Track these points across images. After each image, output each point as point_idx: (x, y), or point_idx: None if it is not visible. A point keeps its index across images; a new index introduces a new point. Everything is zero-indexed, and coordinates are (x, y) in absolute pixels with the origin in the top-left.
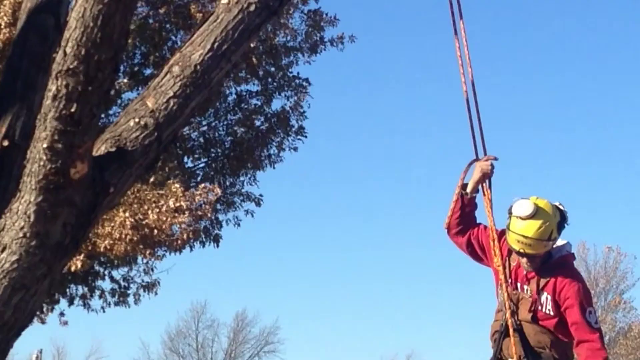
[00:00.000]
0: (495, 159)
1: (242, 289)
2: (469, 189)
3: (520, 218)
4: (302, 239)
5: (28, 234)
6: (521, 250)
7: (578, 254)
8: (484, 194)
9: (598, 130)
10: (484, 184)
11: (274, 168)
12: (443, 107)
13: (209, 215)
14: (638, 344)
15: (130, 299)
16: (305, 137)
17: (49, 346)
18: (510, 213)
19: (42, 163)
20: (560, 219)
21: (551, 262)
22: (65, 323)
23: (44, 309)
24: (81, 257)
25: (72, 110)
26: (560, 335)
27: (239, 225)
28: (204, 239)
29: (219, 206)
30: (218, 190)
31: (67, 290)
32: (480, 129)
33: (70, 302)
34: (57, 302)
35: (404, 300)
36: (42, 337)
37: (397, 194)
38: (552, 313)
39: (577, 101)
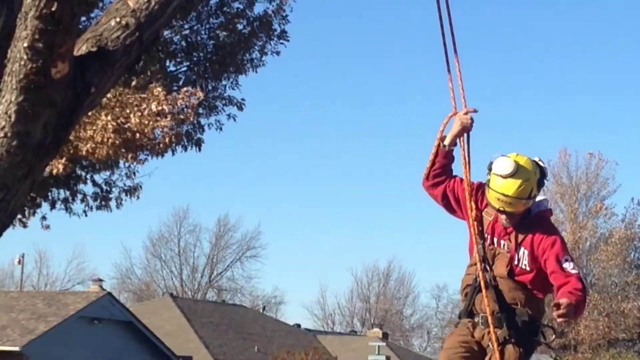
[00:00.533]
0: (475, 111)
1: (224, 194)
2: (447, 142)
3: (501, 176)
4: (284, 144)
5: (9, 134)
6: (501, 209)
7: (560, 160)
8: (462, 148)
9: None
10: (462, 138)
11: (256, 72)
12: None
13: (191, 119)
14: (619, 249)
15: (112, 203)
16: (288, 41)
17: (31, 251)
18: (490, 170)
19: (22, 62)
20: (540, 176)
21: (530, 218)
22: (47, 227)
23: (26, 213)
24: (63, 160)
25: (53, 9)
26: (535, 291)
27: (221, 129)
28: (186, 143)
29: (201, 110)
30: (200, 94)
31: (49, 194)
32: (461, 81)
33: (52, 206)
34: (39, 205)
35: (385, 208)
36: (24, 242)
37: (380, 103)
38: (528, 268)
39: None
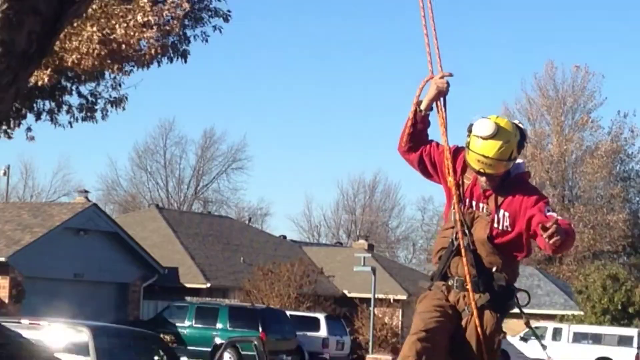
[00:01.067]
0: (451, 75)
1: (210, 106)
2: (423, 106)
3: (481, 137)
4: (270, 56)
5: None
6: (481, 170)
7: (546, 73)
8: (438, 112)
9: None
10: (439, 102)
11: None
12: None
13: (176, 30)
14: (604, 162)
15: (98, 115)
16: None
17: (17, 162)
18: (470, 132)
19: None
20: (520, 138)
21: (509, 180)
22: (32, 138)
23: (11, 124)
24: (48, 71)
25: None
26: (514, 253)
27: (206, 41)
28: (172, 55)
29: (186, 22)
30: (186, 5)
31: (34, 105)
32: (437, 46)
33: (38, 117)
34: (24, 117)
35: (372, 121)
36: (10, 154)
37: (369, 14)
38: (509, 229)
39: None
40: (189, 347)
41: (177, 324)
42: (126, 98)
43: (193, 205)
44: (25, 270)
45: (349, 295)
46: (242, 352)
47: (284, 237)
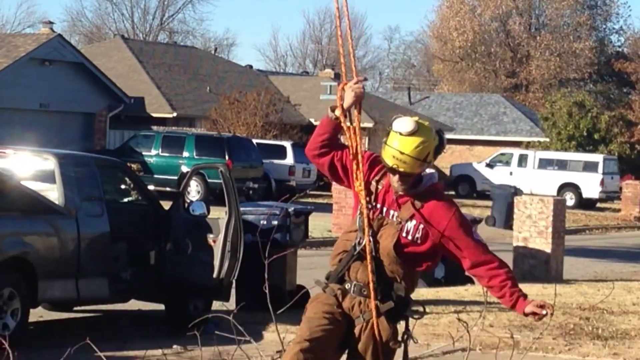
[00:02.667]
0: (365, 79)
1: None
2: (338, 112)
3: (400, 134)
4: None
5: None
6: (394, 167)
7: None
8: (352, 118)
9: None
10: (354, 107)
11: None
12: None
13: None
14: None
15: None
16: None
17: None
18: (389, 128)
19: None
20: (438, 144)
21: (423, 189)
22: None
23: None
24: None
25: None
26: (418, 264)
27: None
28: None
29: None
30: None
31: None
32: (353, 50)
33: None
34: None
35: None
36: None
37: None
38: (419, 241)
39: None
40: (155, 176)
41: (144, 153)
42: None
43: (159, 37)
44: None
45: (315, 123)
46: (209, 180)
47: (251, 66)
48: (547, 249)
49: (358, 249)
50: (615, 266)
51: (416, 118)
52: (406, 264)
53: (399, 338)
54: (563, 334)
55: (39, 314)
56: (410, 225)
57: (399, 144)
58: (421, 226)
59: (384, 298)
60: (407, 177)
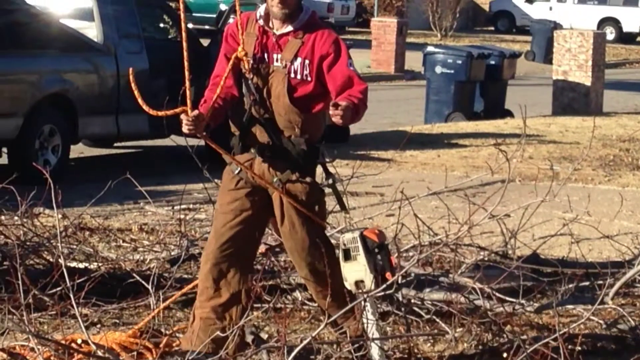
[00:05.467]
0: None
1: None
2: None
3: None
4: None
5: None
6: None
7: None
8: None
9: None
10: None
11: None
12: None
13: None
14: None
15: None
16: None
17: None
18: None
19: None
20: None
21: (303, 21)
22: None
23: None
24: None
25: None
26: (315, 105)
27: None
28: None
29: None
30: None
31: None
32: None
33: None
34: None
35: None
36: None
37: None
38: (309, 78)
39: None
40: (194, 14)
41: None
42: None
43: None
44: None
45: None
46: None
47: None
48: (587, 82)
49: (252, 112)
50: None
51: None
52: (302, 112)
53: (323, 183)
54: (602, 165)
55: (79, 150)
56: (297, 63)
57: None
58: (307, 62)
59: (285, 157)
60: None
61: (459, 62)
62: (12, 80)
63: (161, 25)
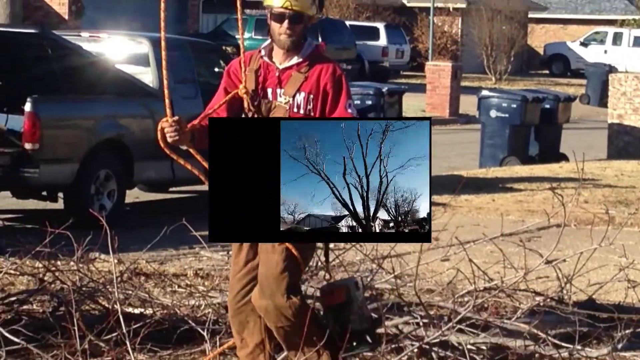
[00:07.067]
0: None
1: None
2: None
3: None
4: None
5: None
6: (287, 6)
7: None
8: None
9: None
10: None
11: None
12: None
13: None
14: None
15: None
16: None
17: None
18: None
19: None
20: None
21: (307, 52)
22: None
23: None
24: None
25: None
26: None
27: None
28: None
29: None
30: None
31: None
32: None
33: None
34: None
35: None
36: None
37: None
38: (312, 113)
39: None
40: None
41: (237, 37)
42: None
43: None
44: None
45: (408, 4)
46: None
47: None
48: None
49: None
50: None
51: None
52: None
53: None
54: None
55: (135, 195)
56: (300, 98)
57: None
58: (311, 96)
59: None
60: (297, 23)
61: (514, 106)
62: (68, 126)
63: (216, 69)
